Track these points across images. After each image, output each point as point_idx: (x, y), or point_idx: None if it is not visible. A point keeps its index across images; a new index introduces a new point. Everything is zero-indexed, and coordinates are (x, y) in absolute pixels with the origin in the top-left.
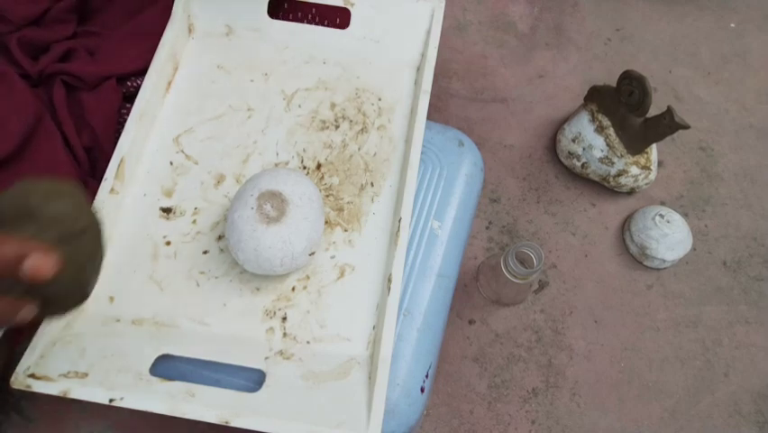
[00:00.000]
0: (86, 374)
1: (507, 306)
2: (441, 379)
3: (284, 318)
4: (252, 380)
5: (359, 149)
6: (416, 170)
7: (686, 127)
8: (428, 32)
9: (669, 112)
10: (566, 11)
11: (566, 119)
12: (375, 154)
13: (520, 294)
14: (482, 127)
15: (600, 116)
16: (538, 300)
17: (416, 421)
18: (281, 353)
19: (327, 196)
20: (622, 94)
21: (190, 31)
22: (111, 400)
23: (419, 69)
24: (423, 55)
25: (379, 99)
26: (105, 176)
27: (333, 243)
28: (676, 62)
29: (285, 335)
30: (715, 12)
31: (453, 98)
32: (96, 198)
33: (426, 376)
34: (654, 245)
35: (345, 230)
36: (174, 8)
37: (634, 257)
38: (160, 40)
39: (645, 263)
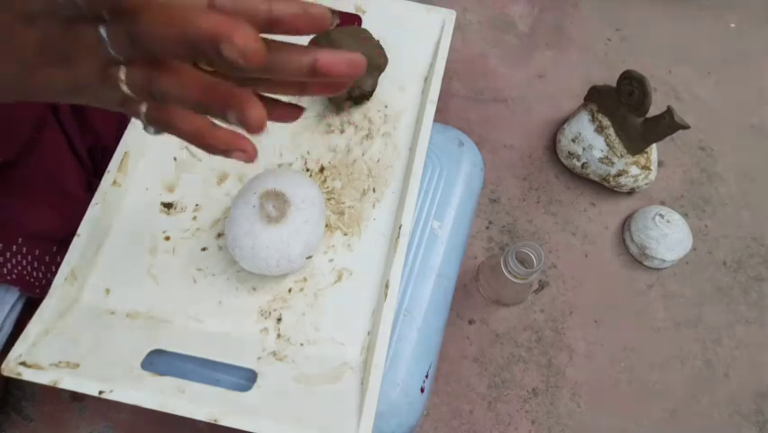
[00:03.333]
0: (77, 365)
1: (507, 306)
2: (441, 379)
3: (279, 319)
4: (244, 379)
5: (363, 154)
6: (418, 178)
7: (686, 127)
8: (438, 44)
9: (669, 112)
10: (566, 11)
11: (566, 119)
12: (378, 160)
13: (520, 294)
14: (482, 127)
15: (600, 116)
16: (538, 300)
17: (416, 421)
18: (274, 354)
19: (329, 199)
20: (622, 94)
21: None
22: (100, 393)
23: (427, 80)
24: (431, 65)
25: (386, 107)
26: (108, 168)
27: (333, 246)
28: (676, 62)
29: (279, 336)
30: (715, 12)
31: (453, 98)
32: (98, 189)
33: (426, 376)
34: (654, 245)
35: (345, 234)
36: None
37: (634, 257)
38: None
39: (645, 263)
